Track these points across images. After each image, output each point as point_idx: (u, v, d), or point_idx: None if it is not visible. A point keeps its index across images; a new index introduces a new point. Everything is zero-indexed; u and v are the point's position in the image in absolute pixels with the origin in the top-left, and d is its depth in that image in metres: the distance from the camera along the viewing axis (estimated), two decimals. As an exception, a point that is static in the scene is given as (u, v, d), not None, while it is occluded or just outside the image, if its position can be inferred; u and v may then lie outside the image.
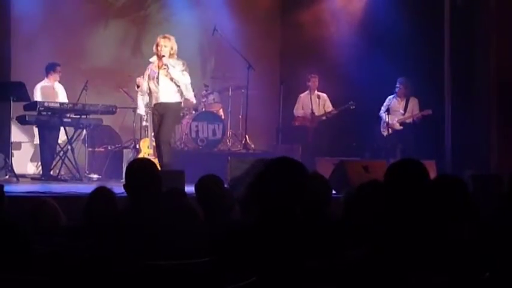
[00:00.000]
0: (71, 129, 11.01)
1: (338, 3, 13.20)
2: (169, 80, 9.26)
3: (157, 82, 9.27)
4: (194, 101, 10.26)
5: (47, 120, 10.76)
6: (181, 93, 9.39)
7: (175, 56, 9.32)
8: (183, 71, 9.33)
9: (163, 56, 9.18)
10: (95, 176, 11.15)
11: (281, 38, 14.36)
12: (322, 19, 13.12)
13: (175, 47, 9.29)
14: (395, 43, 11.98)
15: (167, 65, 9.21)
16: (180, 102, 9.53)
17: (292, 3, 13.85)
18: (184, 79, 9.35)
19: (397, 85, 11.77)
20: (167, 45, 9.22)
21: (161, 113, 9.29)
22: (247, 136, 12.32)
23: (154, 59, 9.38)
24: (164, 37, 9.33)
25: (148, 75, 9.36)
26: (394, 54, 11.88)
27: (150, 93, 9.41)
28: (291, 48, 13.81)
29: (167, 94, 9.29)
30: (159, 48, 9.23)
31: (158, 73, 9.28)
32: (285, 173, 3.44)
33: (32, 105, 10.69)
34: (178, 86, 9.31)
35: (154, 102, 9.35)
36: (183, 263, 3.68)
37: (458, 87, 11.63)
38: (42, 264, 3.70)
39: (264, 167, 3.50)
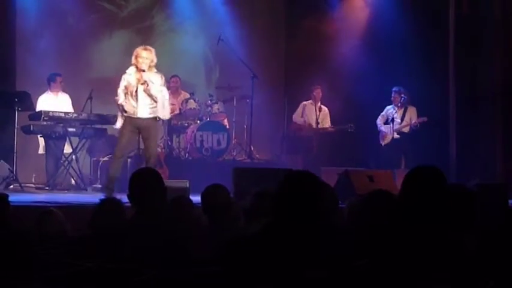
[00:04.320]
0: (75, 139, 11.03)
1: (343, 13, 13.23)
2: (147, 96, 8.94)
3: (136, 98, 8.92)
4: (167, 118, 9.97)
5: (52, 129, 10.78)
6: (156, 110, 9.03)
7: (154, 69, 9.00)
8: (161, 85, 9.03)
9: (143, 70, 8.85)
10: (99, 186, 11.12)
11: (286, 48, 14.39)
12: (326, 29, 13.14)
13: (155, 59, 8.93)
14: (399, 52, 11.99)
15: (147, 81, 8.86)
16: (157, 119, 9.18)
17: (298, 13, 13.87)
18: (163, 96, 9.04)
19: (392, 94, 11.84)
20: (148, 57, 8.87)
21: (140, 130, 9.02)
22: (251, 146, 12.32)
23: (132, 70, 9.00)
24: (145, 49, 8.95)
25: (126, 87, 8.96)
26: (399, 63, 11.89)
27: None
28: (296, 58, 13.83)
29: (144, 110, 8.95)
30: (139, 60, 8.86)
31: (137, 87, 8.92)
32: (307, 188, 3.44)
33: (37, 115, 10.70)
34: (155, 102, 8.98)
35: (130, 116, 8.96)
36: (187, 272, 3.67)
37: (463, 96, 11.63)
38: (48, 274, 3.70)
39: (284, 180, 3.50)
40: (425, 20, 12.02)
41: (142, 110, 8.93)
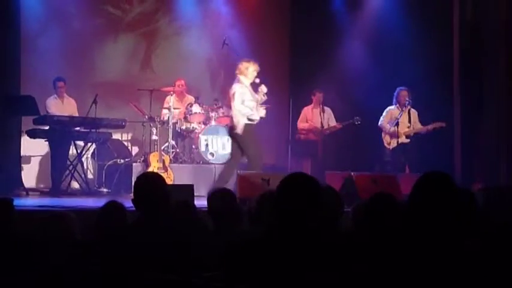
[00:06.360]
0: (80, 143, 11.04)
1: (347, 17, 13.23)
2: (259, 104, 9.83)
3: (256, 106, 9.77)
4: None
5: (57, 134, 10.79)
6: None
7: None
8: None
9: (255, 81, 9.67)
10: (104, 190, 11.15)
11: (291, 52, 14.38)
12: (331, 33, 13.15)
13: None
14: (404, 56, 11.98)
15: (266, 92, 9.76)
16: None
17: (302, 17, 13.87)
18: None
19: (399, 93, 11.41)
20: (256, 70, 9.65)
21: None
22: (256, 150, 12.28)
23: (246, 82, 9.70)
24: (254, 63, 9.72)
25: (253, 97, 9.73)
26: (403, 66, 11.86)
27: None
28: (301, 61, 13.82)
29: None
30: (254, 73, 9.65)
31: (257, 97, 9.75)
32: (302, 189, 3.44)
33: (42, 119, 10.72)
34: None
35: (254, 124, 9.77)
36: (192, 276, 3.67)
37: (467, 99, 11.62)
38: (51, 277, 3.70)
39: (280, 183, 3.49)
40: (430, 25, 12.01)
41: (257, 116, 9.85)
